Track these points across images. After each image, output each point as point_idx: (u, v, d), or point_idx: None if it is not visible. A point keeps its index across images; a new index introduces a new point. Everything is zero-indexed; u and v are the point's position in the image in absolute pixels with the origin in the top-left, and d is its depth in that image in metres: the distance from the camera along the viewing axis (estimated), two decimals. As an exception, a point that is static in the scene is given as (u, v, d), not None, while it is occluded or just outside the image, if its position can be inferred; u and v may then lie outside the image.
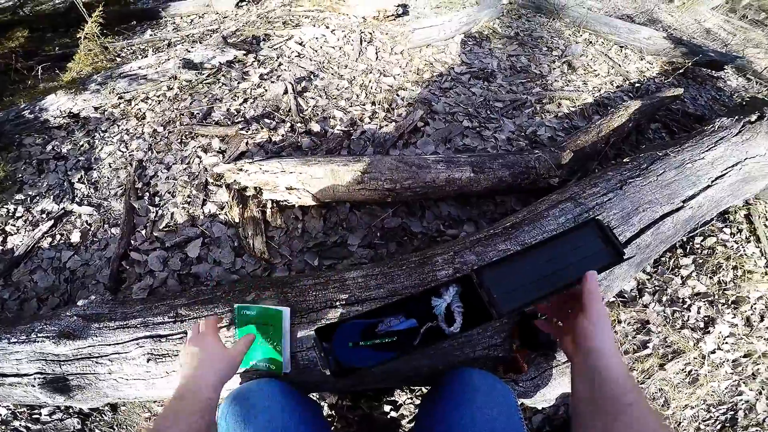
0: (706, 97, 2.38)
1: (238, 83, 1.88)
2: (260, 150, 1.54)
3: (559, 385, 0.95)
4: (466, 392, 0.73)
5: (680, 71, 2.41)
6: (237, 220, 1.33)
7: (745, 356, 1.41)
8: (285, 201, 1.33)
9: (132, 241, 1.33)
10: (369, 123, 1.72)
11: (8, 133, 1.68)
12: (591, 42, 2.66)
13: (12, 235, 1.39)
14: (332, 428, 1.15)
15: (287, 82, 1.85)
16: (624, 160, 1.33)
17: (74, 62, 2.00)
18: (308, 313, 0.88)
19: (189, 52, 1.99)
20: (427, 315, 0.72)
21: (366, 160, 1.31)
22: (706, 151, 1.36)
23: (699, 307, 1.44)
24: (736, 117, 1.55)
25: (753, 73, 2.80)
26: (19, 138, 1.69)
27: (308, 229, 1.35)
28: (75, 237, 1.37)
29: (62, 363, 0.89)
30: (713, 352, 1.39)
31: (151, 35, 2.47)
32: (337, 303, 0.89)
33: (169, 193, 1.45)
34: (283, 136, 1.60)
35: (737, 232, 1.64)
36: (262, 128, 1.61)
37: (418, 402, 1.19)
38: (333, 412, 1.18)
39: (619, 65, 2.47)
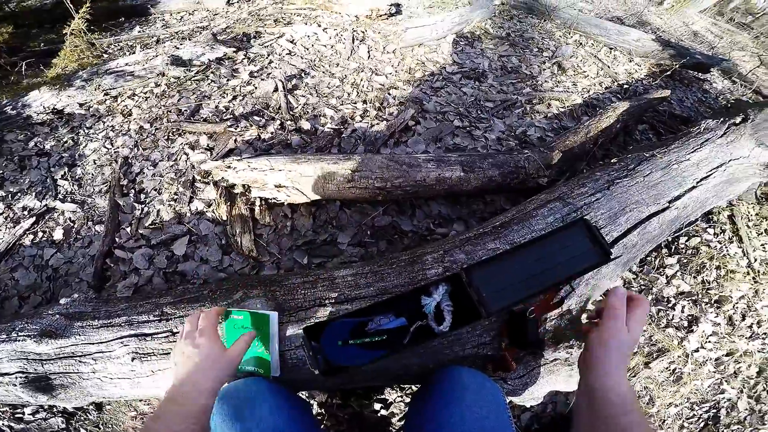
0: (692, 99, 2.42)
1: (228, 80, 1.86)
2: (249, 147, 1.52)
3: (547, 383, 0.96)
4: (456, 390, 0.73)
5: (668, 73, 2.45)
6: (225, 218, 1.31)
7: (727, 355, 1.44)
8: (274, 199, 1.31)
9: (117, 239, 1.31)
10: (360, 121, 1.71)
11: (-11, 129, 1.64)
12: (581, 43, 2.69)
13: (-8, 232, 1.36)
14: (322, 427, 1.14)
15: (277, 79, 1.83)
16: (612, 161, 1.35)
17: (59, 58, 1.96)
18: (297, 311, 0.87)
19: (178, 48, 1.96)
20: (416, 313, 0.72)
21: (356, 158, 1.30)
22: (692, 152, 1.38)
23: (683, 306, 1.47)
24: (721, 119, 1.58)
25: (738, 75, 2.87)
26: (1, 134, 1.65)
27: (297, 227, 1.34)
28: (58, 234, 1.34)
29: (44, 362, 0.87)
30: (696, 350, 1.42)
31: (139, 32, 2.42)
32: (327, 301, 0.88)
33: (156, 190, 1.43)
34: (272, 133, 1.59)
35: (721, 233, 1.67)
36: (251, 126, 1.59)
37: (408, 400, 1.19)
38: (323, 410, 1.17)
39: (609, 67, 2.50)
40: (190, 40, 2.13)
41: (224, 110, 1.69)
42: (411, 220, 1.41)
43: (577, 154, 1.58)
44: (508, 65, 2.30)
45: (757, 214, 1.78)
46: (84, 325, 0.89)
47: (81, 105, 1.75)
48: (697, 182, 1.31)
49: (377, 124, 1.71)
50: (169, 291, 1.00)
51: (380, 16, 2.48)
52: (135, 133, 1.63)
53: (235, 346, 0.71)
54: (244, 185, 1.34)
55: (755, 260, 1.63)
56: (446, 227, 1.39)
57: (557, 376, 0.94)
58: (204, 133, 1.58)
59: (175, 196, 1.39)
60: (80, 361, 0.87)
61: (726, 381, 1.41)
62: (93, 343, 0.87)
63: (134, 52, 2.10)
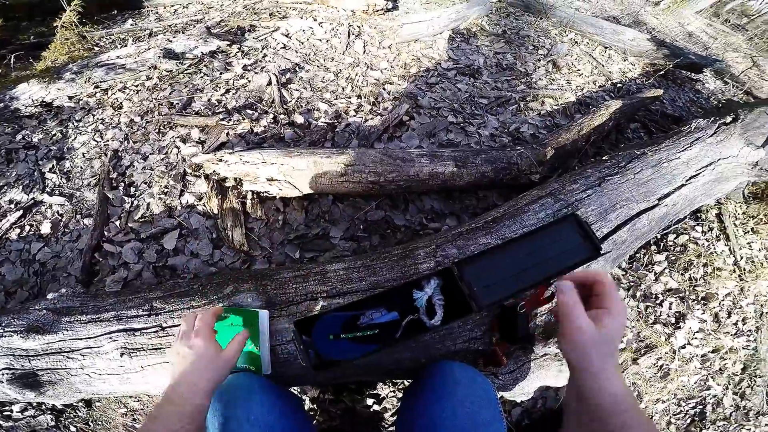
0: (684, 98, 2.45)
1: (221, 74, 1.84)
2: (241, 141, 1.51)
3: (537, 378, 0.97)
4: (447, 385, 0.73)
5: (661, 73, 2.47)
6: (216, 212, 1.30)
7: (713, 351, 1.46)
8: (266, 192, 1.31)
9: (105, 233, 1.29)
10: (354, 116, 1.71)
11: (-25, 121, 1.60)
12: (576, 42, 2.70)
13: (-22, 225, 1.33)
14: (314, 422, 1.14)
15: (271, 73, 1.81)
16: (603, 158, 1.36)
17: (49, 51, 1.93)
18: (288, 306, 0.87)
19: (171, 41, 1.93)
20: (408, 308, 0.72)
21: (350, 152, 1.30)
22: (682, 151, 1.40)
23: (671, 303, 1.49)
24: (712, 118, 1.59)
25: (730, 76, 2.90)
26: (-13, 126, 1.61)
27: (289, 221, 1.33)
28: (45, 228, 1.32)
29: (31, 358, 0.86)
30: (683, 347, 1.44)
31: (132, 25, 2.39)
32: (318, 296, 0.88)
33: (146, 183, 1.41)
34: (265, 127, 1.57)
35: (708, 231, 1.70)
36: (243, 119, 1.58)
37: (400, 395, 1.19)
38: (315, 405, 1.17)
39: (603, 65, 2.51)
40: (183, 33, 2.10)
41: (217, 103, 1.68)
42: (404, 214, 1.41)
43: (569, 152, 1.59)
44: (503, 62, 2.30)
45: (744, 213, 1.81)
46: (72, 320, 0.88)
47: (70, 98, 1.72)
48: (687, 180, 1.33)
49: (371, 118, 1.70)
50: (159, 285, 0.99)
51: (377, 11, 2.46)
52: (125, 126, 1.60)
53: (230, 347, 0.70)
54: (235, 179, 1.33)
55: (741, 258, 1.66)
56: (439, 222, 1.40)
57: (547, 371, 0.95)
58: (196, 126, 1.56)
59: (166, 190, 1.38)
60: (68, 357, 0.86)
61: (712, 377, 1.44)
62: (81, 339, 0.86)
63: (126, 45, 2.07)
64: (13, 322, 0.88)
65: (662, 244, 1.60)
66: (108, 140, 1.56)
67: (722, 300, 1.55)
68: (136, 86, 1.78)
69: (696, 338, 1.46)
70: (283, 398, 0.78)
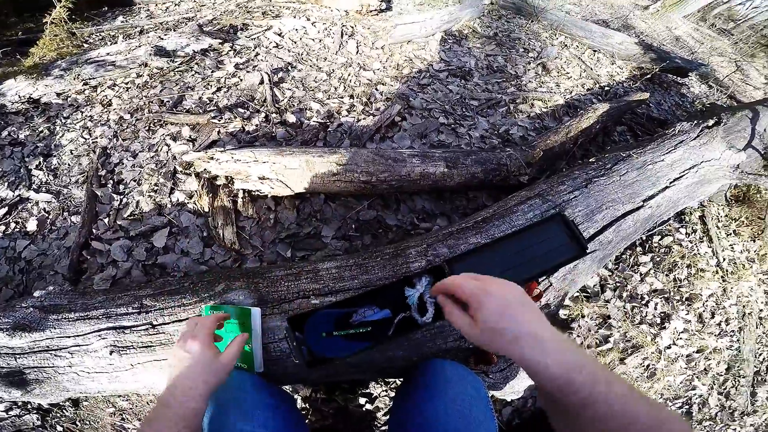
0: (669, 102, 2.50)
1: (212, 72, 1.83)
2: (232, 139, 1.51)
3: (527, 377, 0.98)
4: (439, 384, 0.74)
5: (648, 76, 2.52)
6: (206, 210, 1.30)
7: (697, 351, 1.49)
8: (257, 191, 1.30)
9: (94, 230, 1.27)
10: (346, 116, 1.71)
11: (-41, 116, 1.57)
12: (566, 45, 2.74)
13: (-39, 222, 1.31)
14: (306, 421, 1.14)
15: (263, 72, 1.81)
16: (590, 160, 1.38)
17: (38, 47, 1.90)
18: (280, 303, 0.87)
19: (162, 39, 1.91)
20: (400, 305, 0.73)
21: (342, 152, 1.30)
22: (666, 153, 1.43)
23: (656, 304, 1.52)
24: (696, 122, 1.63)
25: (715, 80, 2.97)
26: (-28, 122, 1.58)
27: (281, 219, 1.33)
28: (31, 225, 1.30)
29: (18, 356, 0.84)
30: (669, 347, 1.47)
31: (122, 22, 2.35)
32: (310, 294, 0.88)
33: (135, 181, 1.40)
34: (257, 126, 1.57)
35: (692, 233, 1.74)
36: (235, 117, 1.57)
37: (393, 394, 1.20)
38: (307, 405, 1.17)
39: (591, 69, 2.56)
40: (175, 30, 2.09)
41: (208, 102, 1.67)
42: (395, 214, 1.42)
43: (557, 153, 1.62)
44: (494, 64, 2.33)
45: (726, 216, 1.86)
46: (59, 318, 0.87)
47: (59, 94, 1.69)
48: (671, 182, 1.36)
49: (363, 119, 1.71)
50: (149, 283, 0.98)
51: (370, 11, 2.47)
52: (114, 124, 1.58)
53: (227, 351, 0.70)
54: (227, 177, 1.32)
55: (724, 260, 1.70)
56: (430, 222, 1.41)
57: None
58: (186, 124, 1.55)
59: (156, 188, 1.37)
60: (56, 355, 0.85)
61: (697, 377, 1.47)
62: (69, 336, 0.85)
63: (116, 42, 2.04)
64: (-2, 320, 0.86)
65: (647, 246, 1.64)
66: (97, 137, 1.54)
67: (706, 301, 1.59)
68: (126, 83, 1.76)
69: (681, 338, 1.50)
70: (276, 397, 0.78)
